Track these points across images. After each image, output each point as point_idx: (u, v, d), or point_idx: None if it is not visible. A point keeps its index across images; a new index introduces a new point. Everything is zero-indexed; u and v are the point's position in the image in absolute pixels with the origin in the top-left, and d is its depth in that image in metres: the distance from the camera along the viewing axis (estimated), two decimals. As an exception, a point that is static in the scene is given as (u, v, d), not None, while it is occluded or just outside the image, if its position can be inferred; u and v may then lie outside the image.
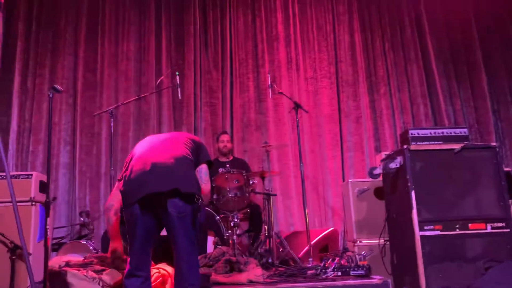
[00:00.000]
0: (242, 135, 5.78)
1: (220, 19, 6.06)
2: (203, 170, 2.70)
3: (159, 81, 4.97)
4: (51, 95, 2.97)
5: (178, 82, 4.48)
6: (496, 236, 3.12)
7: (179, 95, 4.57)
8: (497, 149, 3.29)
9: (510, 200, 3.21)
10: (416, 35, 6.25)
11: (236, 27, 6.05)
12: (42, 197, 3.79)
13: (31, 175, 3.90)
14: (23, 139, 5.41)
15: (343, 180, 5.47)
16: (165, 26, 5.94)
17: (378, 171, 3.57)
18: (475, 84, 6.20)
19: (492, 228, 3.13)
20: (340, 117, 5.95)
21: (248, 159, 5.46)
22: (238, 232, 3.94)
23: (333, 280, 2.94)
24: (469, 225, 3.12)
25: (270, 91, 4.53)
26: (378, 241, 3.59)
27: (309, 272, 3.30)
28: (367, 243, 3.88)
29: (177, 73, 4.54)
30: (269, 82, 4.48)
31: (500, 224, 3.14)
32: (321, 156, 5.81)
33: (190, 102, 5.75)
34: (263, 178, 4.52)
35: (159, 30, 5.92)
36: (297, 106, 4.38)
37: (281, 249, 4.20)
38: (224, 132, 5.18)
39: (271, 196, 4.23)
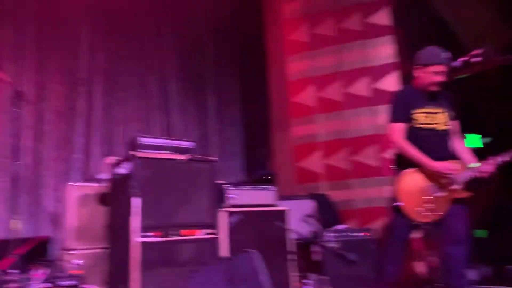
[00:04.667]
0: None
1: None
2: None
3: None
4: None
5: None
6: (206, 242, 3.45)
7: None
8: (215, 163, 3.67)
9: (218, 209, 3.61)
10: (157, 45, 6.46)
11: None
12: None
13: None
14: None
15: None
16: None
17: (104, 176, 3.46)
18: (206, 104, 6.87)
19: (204, 234, 3.45)
20: (70, 116, 5.52)
21: None
22: None
23: (38, 293, 2.64)
24: (185, 231, 3.34)
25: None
26: (96, 249, 3.43)
27: (12, 285, 2.86)
28: (85, 251, 3.65)
29: None
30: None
31: (210, 230, 3.48)
32: (43, 156, 5.23)
33: None
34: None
35: None
36: (19, 96, 3.83)
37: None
38: None
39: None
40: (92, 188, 3.87)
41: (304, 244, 4.13)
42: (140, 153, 3.31)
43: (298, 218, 4.25)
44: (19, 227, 3.77)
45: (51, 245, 4.46)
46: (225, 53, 7.25)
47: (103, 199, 3.80)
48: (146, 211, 3.17)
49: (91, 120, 5.65)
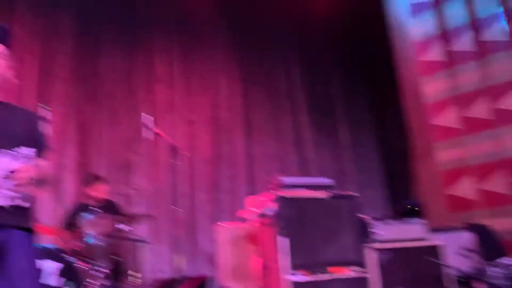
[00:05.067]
0: (113, 174, 5.45)
1: (95, 53, 5.77)
2: None
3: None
4: None
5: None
6: (355, 280, 3.36)
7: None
8: (356, 198, 3.60)
9: (364, 245, 3.50)
10: (287, 84, 6.72)
11: (113, 63, 5.81)
12: None
13: None
14: None
15: (219, 225, 5.46)
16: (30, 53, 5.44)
17: (251, 215, 3.64)
18: (339, 135, 6.85)
19: (352, 271, 3.37)
20: (216, 161, 6.01)
21: (118, 201, 5.14)
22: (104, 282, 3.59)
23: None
24: (334, 269, 3.31)
25: (146, 131, 4.38)
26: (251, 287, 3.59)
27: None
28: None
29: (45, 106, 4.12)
30: (145, 122, 4.33)
31: (359, 268, 3.39)
32: (196, 200, 5.75)
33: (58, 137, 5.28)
34: (134, 221, 4.26)
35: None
36: (174, 149, 4.30)
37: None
38: (102, 181, 4.52)
39: (141, 243, 4.00)
40: (241, 228, 4.10)
41: (465, 281, 3.75)
42: (284, 193, 3.43)
43: (455, 252, 3.89)
44: (183, 264, 4.17)
45: (211, 283, 4.80)
46: (354, 83, 7.21)
47: (252, 238, 3.99)
48: (293, 250, 3.24)
49: (235, 163, 6.08)
